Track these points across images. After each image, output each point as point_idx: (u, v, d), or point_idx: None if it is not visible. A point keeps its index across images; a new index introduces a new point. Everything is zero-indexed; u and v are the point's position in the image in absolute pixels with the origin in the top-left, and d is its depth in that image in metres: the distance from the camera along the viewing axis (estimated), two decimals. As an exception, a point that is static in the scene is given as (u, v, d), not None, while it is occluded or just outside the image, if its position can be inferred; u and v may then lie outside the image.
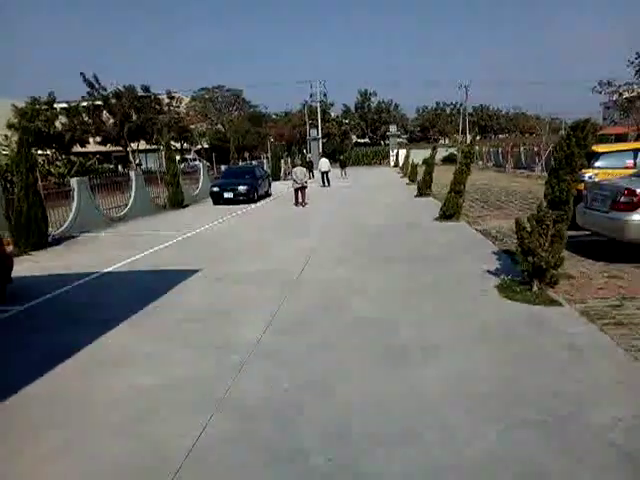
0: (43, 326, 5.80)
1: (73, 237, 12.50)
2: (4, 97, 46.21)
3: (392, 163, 50.32)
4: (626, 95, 31.80)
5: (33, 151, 12.68)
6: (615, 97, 32.57)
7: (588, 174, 9.80)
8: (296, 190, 17.90)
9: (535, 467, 2.85)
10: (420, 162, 30.85)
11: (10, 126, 36.03)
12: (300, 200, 17.92)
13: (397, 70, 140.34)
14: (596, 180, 9.44)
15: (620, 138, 33.83)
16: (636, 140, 26.96)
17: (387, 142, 59.97)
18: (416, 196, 18.87)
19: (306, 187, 18.13)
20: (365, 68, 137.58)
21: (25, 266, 8.92)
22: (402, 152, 45.90)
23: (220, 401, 3.77)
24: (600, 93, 31.04)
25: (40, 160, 24.67)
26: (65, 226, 12.84)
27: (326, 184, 26.21)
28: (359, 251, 9.23)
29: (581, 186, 7.74)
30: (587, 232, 8.30)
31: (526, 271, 6.03)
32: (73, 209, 13.32)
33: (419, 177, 21.60)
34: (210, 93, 59.77)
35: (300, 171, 18.07)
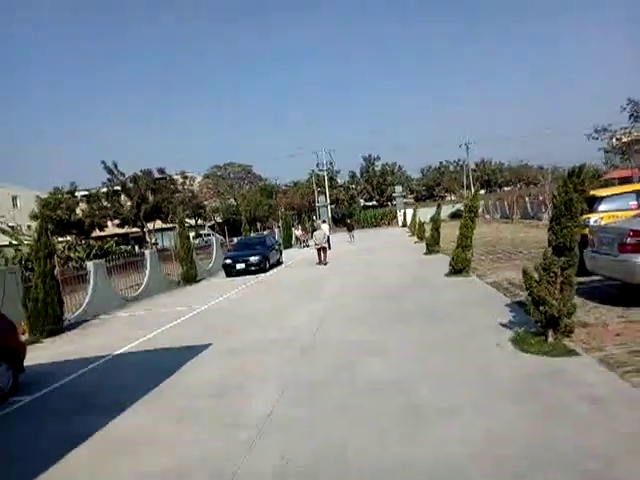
0: (53, 415, 5.75)
1: (88, 320, 12.63)
2: (29, 189, 48.86)
3: (400, 223, 50.83)
4: (624, 139, 32.32)
5: (53, 238, 13.14)
6: (614, 142, 33.09)
7: (593, 218, 9.81)
8: (318, 250, 20.34)
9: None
10: (427, 220, 31.20)
11: (34, 217, 37.73)
12: (322, 259, 20.05)
13: (399, 134, 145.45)
14: (601, 224, 9.44)
15: (625, 181, 33.96)
16: (640, 182, 27.06)
17: (394, 203, 61.00)
18: (425, 253, 18.87)
19: (326, 248, 20.45)
20: (368, 134, 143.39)
21: (39, 353, 8.97)
22: (409, 211, 46.56)
23: (230, 481, 3.63)
24: (597, 139, 31.59)
25: (60, 246, 25.45)
26: (81, 310, 13.02)
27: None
28: (372, 311, 9.15)
29: (585, 231, 7.73)
30: (598, 277, 8.18)
31: (539, 321, 5.91)
32: (89, 292, 13.57)
33: (427, 234, 21.72)
34: (221, 170, 62.60)
35: (319, 234, 20.54)
